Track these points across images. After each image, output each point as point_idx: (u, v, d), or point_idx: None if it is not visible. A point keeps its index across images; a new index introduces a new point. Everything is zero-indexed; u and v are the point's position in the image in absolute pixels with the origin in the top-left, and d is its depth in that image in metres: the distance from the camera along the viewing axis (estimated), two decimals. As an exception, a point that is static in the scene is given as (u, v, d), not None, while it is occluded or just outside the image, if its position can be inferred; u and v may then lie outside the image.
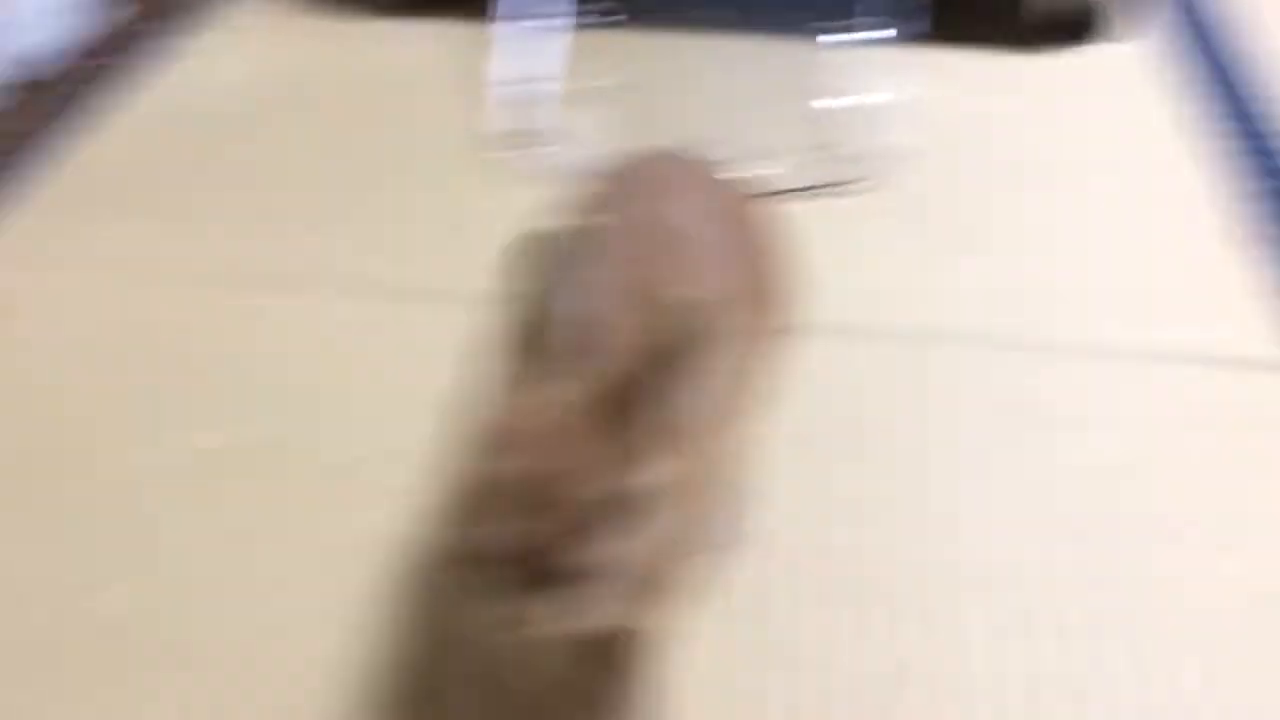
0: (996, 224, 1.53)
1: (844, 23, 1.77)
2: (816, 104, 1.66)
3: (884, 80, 1.68)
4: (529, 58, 1.70)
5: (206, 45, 1.86)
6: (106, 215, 1.48)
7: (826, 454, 1.17)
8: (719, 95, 1.71)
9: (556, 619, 0.65)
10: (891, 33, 1.77)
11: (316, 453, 1.15)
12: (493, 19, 1.78)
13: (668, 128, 1.55)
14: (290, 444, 1.16)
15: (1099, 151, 1.68)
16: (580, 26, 1.75)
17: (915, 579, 1.06)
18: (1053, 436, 1.21)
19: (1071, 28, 1.87)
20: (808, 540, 1.08)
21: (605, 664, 0.84)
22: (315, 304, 1.33)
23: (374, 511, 1.06)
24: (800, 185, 1.50)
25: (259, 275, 1.39)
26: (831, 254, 1.17)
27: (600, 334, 0.71)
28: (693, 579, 0.76)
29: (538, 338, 0.75)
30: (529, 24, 1.75)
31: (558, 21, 1.75)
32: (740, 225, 0.93)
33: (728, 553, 0.85)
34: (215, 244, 1.45)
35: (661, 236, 0.85)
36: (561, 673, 0.85)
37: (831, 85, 1.68)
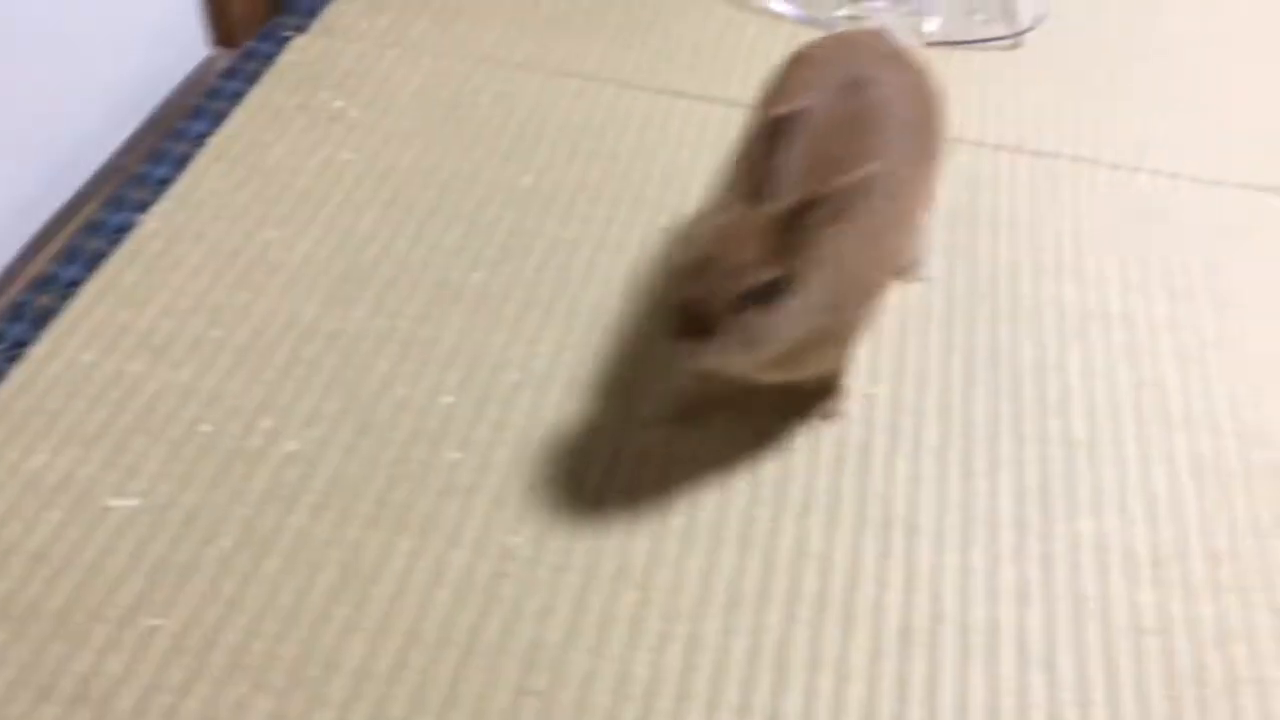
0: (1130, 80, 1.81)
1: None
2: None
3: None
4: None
5: None
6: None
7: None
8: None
9: (698, 359, 1.01)
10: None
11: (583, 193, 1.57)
12: None
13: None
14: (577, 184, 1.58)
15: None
16: None
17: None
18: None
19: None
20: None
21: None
22: (599, 92, 1.74)
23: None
24: (955, 39, 1.84)
25: (558, 67, 1.78)
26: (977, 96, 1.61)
27: (785, 181, 1.02)
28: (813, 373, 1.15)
29: (745, 178, 1.06)
30: None
31: None
32: (921, 94, 1.21)
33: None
34: (527, 41, 1.84)
35: (855, 108, 1.13)
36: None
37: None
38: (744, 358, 1.02)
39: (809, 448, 1.25)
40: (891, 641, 1.10)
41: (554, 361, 1.32)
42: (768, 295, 0.98)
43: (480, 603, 1.10)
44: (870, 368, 1.32)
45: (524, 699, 1.04)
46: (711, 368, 1.01)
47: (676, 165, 1.60)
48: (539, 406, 1.27)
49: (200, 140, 1.59)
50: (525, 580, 1.12)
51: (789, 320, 1.01)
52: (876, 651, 1.09)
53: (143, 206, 1.48)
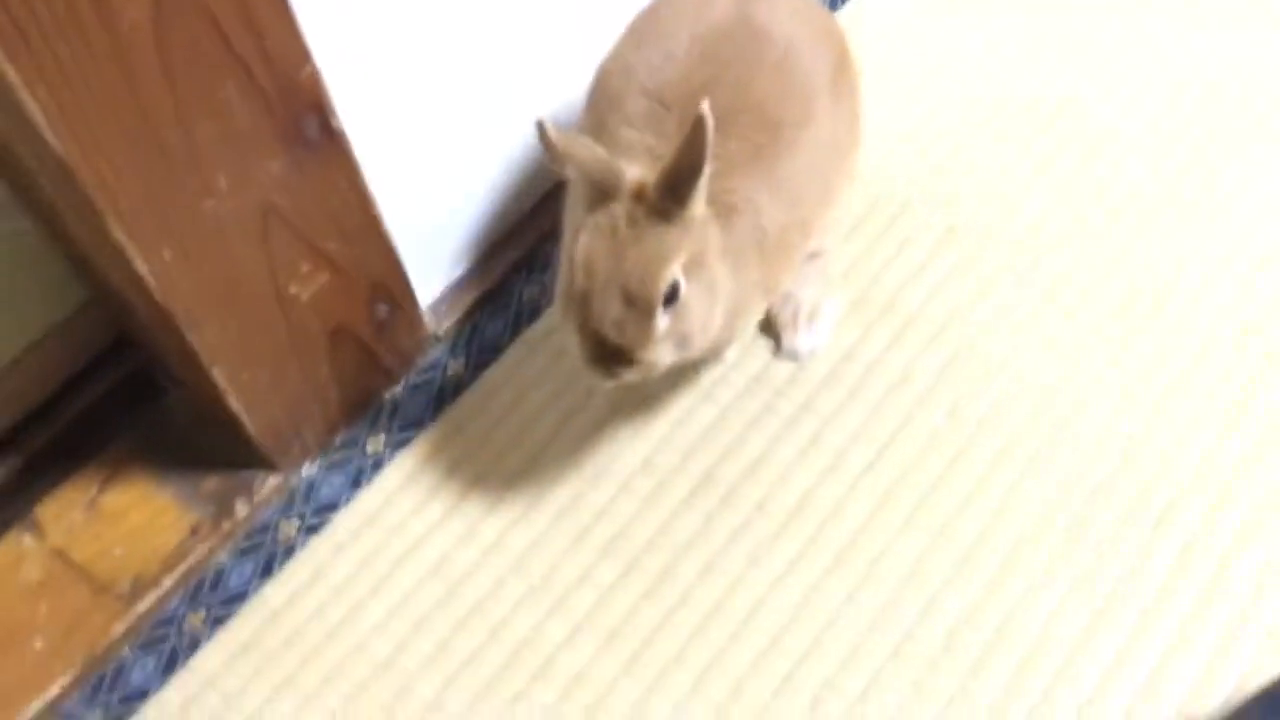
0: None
1: None
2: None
3: None
4: None
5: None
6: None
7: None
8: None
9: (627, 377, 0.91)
10: None
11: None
12: None
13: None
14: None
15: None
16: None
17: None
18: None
19: None
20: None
21: None
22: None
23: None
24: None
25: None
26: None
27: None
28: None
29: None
30: None
31: None
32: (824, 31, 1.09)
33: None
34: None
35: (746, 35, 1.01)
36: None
37: None
38: (678, 355, 0.93)
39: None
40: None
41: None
42: (675, 291, 0.89)
43: None
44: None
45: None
46: (644, 378, 0.93)
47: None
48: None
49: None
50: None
51: (709, 300, 0.93)
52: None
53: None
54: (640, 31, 1.06)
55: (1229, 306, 1.14)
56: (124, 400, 1.13)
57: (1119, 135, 1.28)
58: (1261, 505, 1.03)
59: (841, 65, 1.09)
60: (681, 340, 0.91)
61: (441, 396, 1.16)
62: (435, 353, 1.18)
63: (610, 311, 0.88)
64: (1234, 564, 1.00)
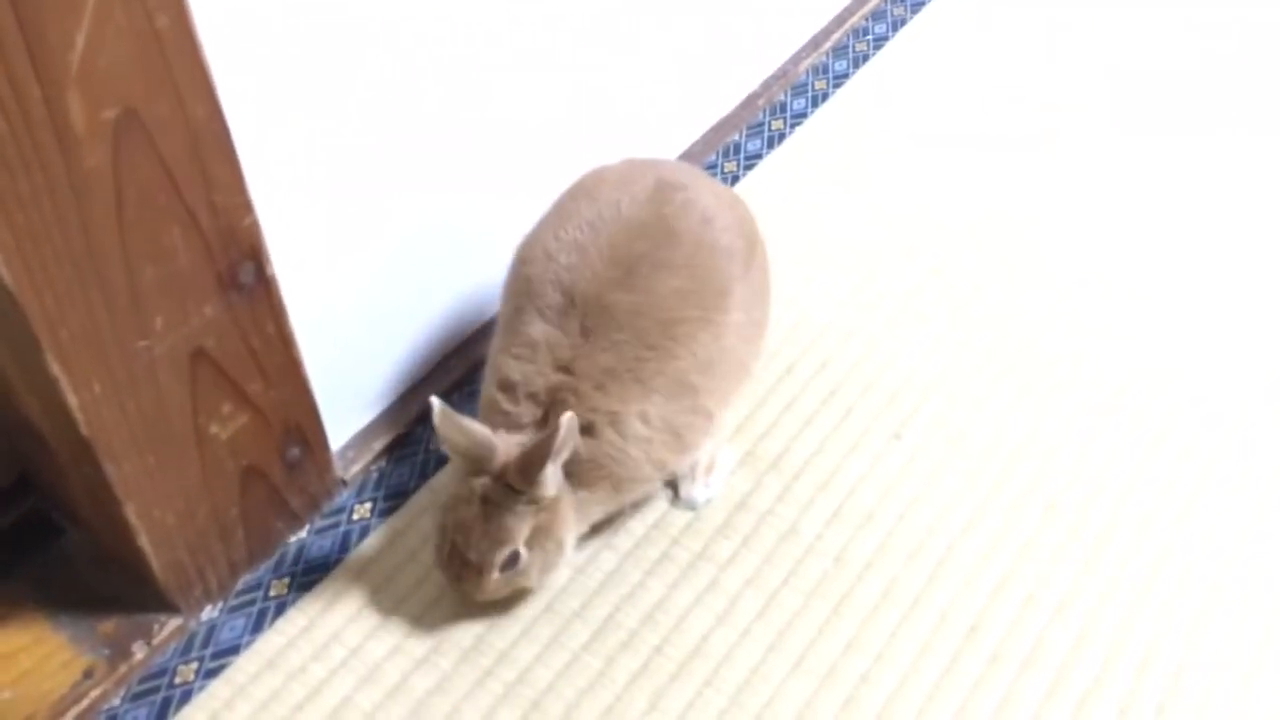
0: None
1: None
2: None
3: None
4: None
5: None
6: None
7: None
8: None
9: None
10: None
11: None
12: None
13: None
14: None
15: None
16: None
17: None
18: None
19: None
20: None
21: None
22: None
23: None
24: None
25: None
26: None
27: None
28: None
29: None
30: None
31: None
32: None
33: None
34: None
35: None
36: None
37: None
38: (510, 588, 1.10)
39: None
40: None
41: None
42: (515, 559, 1.05)
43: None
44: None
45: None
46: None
47: None
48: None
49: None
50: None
51: (547, 556, 1.08)
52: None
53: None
54: (564, 211, 1.15)
55: (1069, 465, 1.25)
56: (19, 541, 1.12)
57: (982, 295, 1.42)
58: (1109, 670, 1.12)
59: (752, 245, 1.19)
60: (517, 580, 1.08)
61: (347, 540, 1.18)
62: (342, 497, 1.20)
63: (453, 567, 1.06)
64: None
